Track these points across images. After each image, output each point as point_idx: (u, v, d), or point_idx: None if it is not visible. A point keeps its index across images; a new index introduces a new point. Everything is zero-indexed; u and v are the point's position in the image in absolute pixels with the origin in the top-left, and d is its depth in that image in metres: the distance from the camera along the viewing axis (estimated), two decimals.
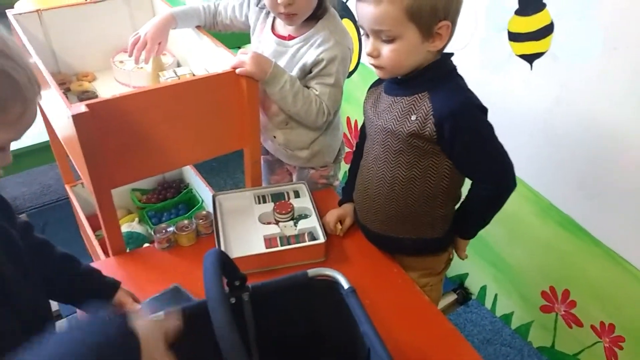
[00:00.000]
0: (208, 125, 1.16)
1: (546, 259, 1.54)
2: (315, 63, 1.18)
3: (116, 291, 0.94)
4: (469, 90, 0.95)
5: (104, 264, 1.13)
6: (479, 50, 1.45)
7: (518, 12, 1.30)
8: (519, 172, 1.46)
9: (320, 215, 1.16)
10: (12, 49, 0.63)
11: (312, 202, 1.19)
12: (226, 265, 0.70)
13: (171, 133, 1.11)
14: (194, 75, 1.38)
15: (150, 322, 0.58)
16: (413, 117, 0.93)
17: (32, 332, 0.74)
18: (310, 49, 1.19)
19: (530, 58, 1.33)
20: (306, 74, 1.21)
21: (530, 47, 1.32)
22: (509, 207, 1.53)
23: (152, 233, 1.12)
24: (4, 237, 0.73)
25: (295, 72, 1.21)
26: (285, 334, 0.86)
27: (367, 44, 0.92)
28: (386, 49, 0.89)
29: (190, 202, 1.89)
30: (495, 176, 0.98)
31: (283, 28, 1.24)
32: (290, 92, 1.17)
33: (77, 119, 0.93)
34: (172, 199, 1.85)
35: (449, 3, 0.86)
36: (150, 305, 0.91)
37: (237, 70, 1.11)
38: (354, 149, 1.20)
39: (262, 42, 1.28)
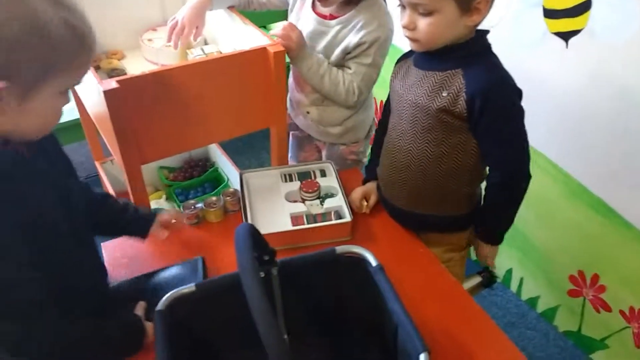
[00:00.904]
0: (235, 103, 1.16)
1: (575, 242, 1.51)
2: (358, 45, 1.18)
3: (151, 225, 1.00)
4: (504, 69, 0.92)
5: (134, 239, 1.16)
6: (512, 28, 1.41)
7: None
8: (550, 152, 1.42)
9: (346, 194, 1.16)
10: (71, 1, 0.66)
11: (338, 181, 1.19)
12: (256, 240, 0.70)
13: (199, 110, 1.12)
14: (221, 53, 1.38)
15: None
16: (444, 93, 0.91)
17: (87, 287, 0.82)
18: (352, 31, 1.19)
19: (566, 35, 1.29)
20: (346, 54, 1.21)
21: (566, 24, 1.28)
22: (537, 189, 1.51)
23: (181, 210, 1.14)
24: (66, 195, 0.77)
25: (336, 53, 1.22)
26: (312, 309, 0.87)
27: (404, 16, 0.91)
28: (423, 22, 0.88)
29: (216, 181, 1.91)
30: (507, 164, 0.96)
31: (323, 7, 1.24)
32: (316, 73, 1.19)
33: (108, 94, 0.94)
34: (198, 177, 1.88)
35: None
36: (172, 272, 0.97)
37: (280, 41, 1.14)
38: (377, 126, 1.19)
39: (302, 20, 1.27)
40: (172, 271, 0.99)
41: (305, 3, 1.27)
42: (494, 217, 1.05)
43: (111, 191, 1.68)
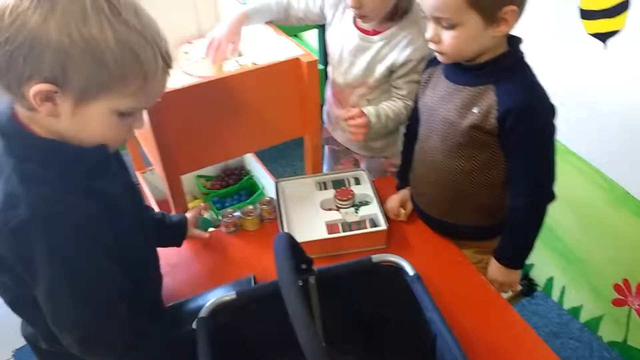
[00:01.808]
0: (270, 113, 1.18)
1: (620, 250, 1.46)
2: (405, 63, 1.18)
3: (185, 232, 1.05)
4: (539, 85, 0.90)
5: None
6: (548, 29, 1.38)
7: None
8: (592, 158, 1.39)
9: (381, 202, 1.16)
10: (142, 21, 0.65)
11: (373, 188, 1.19)
12: (294, 249, 0.71)
13: (236, 121, 1.14)
14: (255, 64, 1.40)
15: None
16: (475, 110, 0.90)
17: (150, 291, 0.87)
18: (396, 48, 1.18)
19: (603, 37, 1.26)
20: (392, 72, 1.21)
21: (603, 25, 1.24)
22: (580, 195, 1.47)
23: (219, 217, 1.16)
24: (134, 196, 0.84)
25: (380, 70, 1.21)
26: (349, 318, 0.87)
27: (429, 29, 0.90)
28: (447, 35, 0.87)
29: (251, 189, 1.94)
30: (533, 183, 0.94)
31: (364, 23, 1.23)
32: (382, 127, 1.19)
33: (150, 108, 0.97)
34: (234, 186, 1.91)
35: None
36: (224, 290, 0.95)
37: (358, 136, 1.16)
38: (406, 131, 1.19)
39: (344, 36, 1.26)
40: (225, 291, 0.98)
41: (345, 18, 1.27)
42: (510, 238, 1.01)
43: (152, 200, 1.73)
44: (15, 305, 0.76)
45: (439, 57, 0.93)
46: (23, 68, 0.60)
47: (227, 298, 0.82)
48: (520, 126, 0.86)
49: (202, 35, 1.52)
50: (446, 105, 0.95)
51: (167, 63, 0.70)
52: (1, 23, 0.59)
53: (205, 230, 1.58)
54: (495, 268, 1.03)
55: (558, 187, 1.54)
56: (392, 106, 1.20)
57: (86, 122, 0.67)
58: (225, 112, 1.11)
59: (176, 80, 1.46)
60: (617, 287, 1.51)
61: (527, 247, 1.00)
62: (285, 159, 2.50)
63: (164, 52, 0.68)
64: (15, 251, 0.65)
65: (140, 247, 0.83)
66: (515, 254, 1.02)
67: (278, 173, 2.41)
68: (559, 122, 1.21)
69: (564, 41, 1.36)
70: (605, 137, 1.36)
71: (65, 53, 0.60)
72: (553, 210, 1.56)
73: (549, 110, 0.89)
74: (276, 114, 1.19)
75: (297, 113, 1.21)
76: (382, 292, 0.85)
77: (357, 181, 1.22)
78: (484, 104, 0.89)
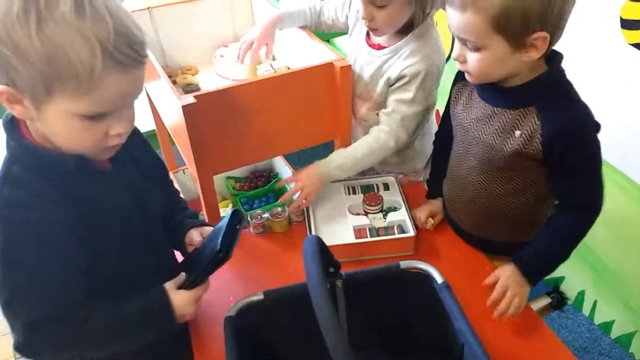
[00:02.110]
0: (302, 116, 1.19)
1: None
2: (398, 78, 1.13)
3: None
4: (582, 104, 0.86)
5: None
6: (588, 39, 1.35)
7: None
8: (629, 170, 1.35)
9: (409, 209, 1.15)
10: (89, 14, 0.60)
11: (401, 195, 1.19)
12: (322, 252, 0.72)
13: (268, 124, 1.16)
14: (289, 68, 1.42)
15: (182, 294, 0.78)
16: (517, 133, 0.86)
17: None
18: (397, 62, 1.14)
19: None
20: (389, 86, 1.17)
21: None
22: (615, 208, 1.44)
23: (248, 219, 1.18)
24: (144, 201, 0.83)
25: (380, 84, 1.18)
26: (375, 323, 0.87)
27: (456, 47, 0.87)
28: (472, 57, 0.84)
29: (280, 191, 1.96)
30: (584, 203, 0.90)
31: (375, 36, 1.21)
32: (357, 166, 1.18)
33: (186, 109, 1.00)
34: (262, 188, 1.93)
35: (546, 11, 0.76)
36: (212, 234, 0.88)
37: (298, 201, 1.16)
38: (435, 138, 1.17)
39: (356, 48, 1.26)
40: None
41: (362, 30, 1.25)
42: (547, 254, 0.94)
43: None
44: None
45: (467, 77, 0.91)
46: None
47: (255, 298, 0.83)
48: (569, 152, 0.84)
49: (238, 39, 1.55)
50: (484, 128, 0.91)
51: (118, 59, 0.62)
52: None
53: None
54: (514, 276, 0.92)
55: None
56: (360, 147, 1.17)
57: (52, 125, 0.67)
58: (258, 115, 1.13)
59: (211, 82, 1.50)
60: None
61: (556, 265, 0.96)
62: (313, 161, 2.51)
63: (117, 47, 0.61)
64: None
65: (138, 250, 0.82)
66: (543, 268, 0.96)
67: None
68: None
69: (603, 50, 1.33)
70: None
71: (10, 48, 0.59)
72: None
73: (594, 128, 0.86)
74: (308, 117, 1.20)
75: (329, 117, 1.22)
76: (409, 299, 0.85)
77: (386, 187, 1.22)
78: (527, 128, 0.85)
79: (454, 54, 0.87)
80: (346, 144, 1.28)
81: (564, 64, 0.86)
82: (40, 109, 0.64)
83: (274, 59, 1.57)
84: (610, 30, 1.28)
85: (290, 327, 0.82)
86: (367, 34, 1.23)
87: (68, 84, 0.61)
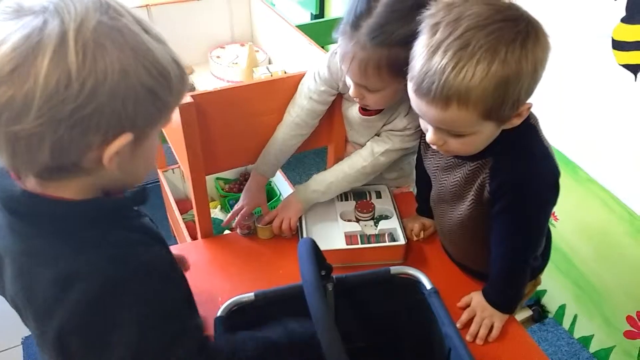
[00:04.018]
0: None
1: (635, 282, 1.45)
2: (404, 129, 1.10)
3: None
4: (539, 154, 0.83)
5: (194, 246, 1.21)
6: (579, 58, 1.39)
7: (625, 20, 1.24)
8: (615, 188, 1.37)
9: (401, 218, 1.16)
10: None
11: (393, 203, 1.20)
12: (316, 254, 0.73)
13: (263, 126, 1.16)
14: (285, 72, 1.43)
15: None
16: (476, 184, 0.86)
17: None
18: (398, 117, 1.09)
19: (635, 68, 1.26)
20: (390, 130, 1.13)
21: (636, 56, 1.25)
22: (599, 224, 1.47)
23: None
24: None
25: (379, 132, 1.14)
26: (364, 327, 0.88)
27: (430, 133, 0.80)
28: (455, 142, 0.79)
29: (268, 194, 1.96)
30: (508, 250, 0.90)
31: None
32: (337, 186, 1.15)
33: (182, 108, 1.00)
34: None
35: (535, 80, 0.73)
36: None
37: (284, 226, 1.13)
38: (416, 162, 1.15)
39: (349, 111, 1.17)
40: None
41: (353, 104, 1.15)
42: (495, 280, 0.96)
43: (171, 199, 1.75)
44: None
45: (442, 152, 0.86)
46: (94, 132, 0.52)
47: (245, 299, 0.83)
48: (509, 204, 0.82)
49: (235, 40, 1.56)
50: (448, 178, 0.91)
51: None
52: (65, 91, 0.48)
53: (221, 232, 1.60)
54: (482, 302, 0.96)
55: (577, 214, 1.54)
56: (342, 167, 1.15)
57: (142, 156, 0.60)
58: (254, 117, 1.13)
59: (206, 83, 1.50)
60: (629, 319, 1.50)
61: (515, 289, 0.96)
62: (302, 167, 2.52)
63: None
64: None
65: None
66: (501, 296, 0.96)
67: (295, 181, 2.43)
68: (584, 149, 1.21)
69: (593, 69, 1.37)
70: (630, 168, 1.36)
71: (148, 92, 0.54)
72: (570, 238, 1.57)
73: (546, 185, 0.83)
74: None
75: (323, 122, 1.22)
76: (398, 304, 0.86)
77: (379, 195, 1.23)
78: (480, 179, 0.85)
79: (429, 139, 0.81)
80: (340, 150, 1.29)
81: (554, 83, 0.86)
82: (139, 145, 0.58)
83: (269, 62, 1.58)
84: (601, 49, 1.31)
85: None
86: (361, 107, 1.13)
87: (173, 105, 0.60)
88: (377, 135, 1.15)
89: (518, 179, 0.81)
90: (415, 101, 0.76)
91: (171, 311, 0.60)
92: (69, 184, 0.57)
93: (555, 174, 0.83)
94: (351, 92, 0.99)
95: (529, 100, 0.76)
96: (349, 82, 0.98)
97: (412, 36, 0.77)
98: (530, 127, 0.83)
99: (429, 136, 0.80)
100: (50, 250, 0.56)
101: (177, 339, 0.59)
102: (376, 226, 1.15)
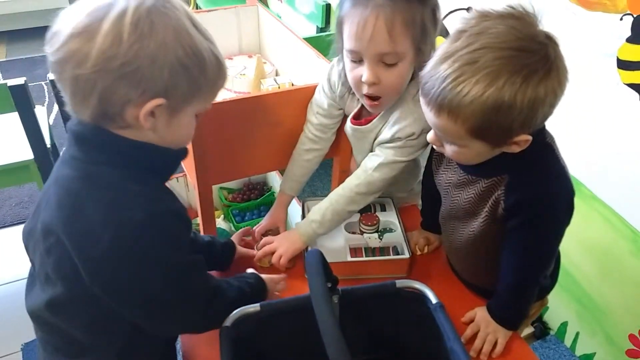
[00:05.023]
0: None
1: (638, 300, 1.45)
2: (391, 140, 1.04)
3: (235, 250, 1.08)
4: (555, 171, 0.82)
5: None
6: (583, 76, 1.40)
7: (630, 40, 1.25)
8: (619, 206, 1.37)
9: (406, 231, 1.17)
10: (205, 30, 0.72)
11: (398, 217, 1.20)
12: (324, 265, 0.73)
13: (269, 137, 1.17)
14: (292, 84, 1.44)
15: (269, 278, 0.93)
16: (490, 201, 0.85)
17: None
18: (386, 127, 1.06)
19: (639, 88, 1.27)
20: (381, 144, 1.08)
21: None
22: (603, 242, 1.47)
23: (235, 230, 1.18)
24: None
25: (375, 146, 1.10)
26: (369, 340, 0.88)
27: (431, 133, 0.83)
28: (449, 148, 0.81)
29: (272, 205, 1.96)
30: (519, 266, 0.90)
31: (362, 115, 1.11)
32: (340, 212, 1.08)
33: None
34: (255, 200, 1.94)
35: (530, 120, 0.72)
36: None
37: (274, 260, 1.07)
38: (422, 177, 1.15)
39: (344, 125, 1.17)
40: None
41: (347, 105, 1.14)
42: (501, 292, 0.95)
43: None
44: (59, 304, 0.75)
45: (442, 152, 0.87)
46: (135, 88, 0.64)
47: (251, 309, 0.83)
48: (522, 214, 0.82)
49: (243, 52, 1.58)
50: (461, 195, 0.91)
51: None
52: (117, 49, 0.62)
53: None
54: (486, 317, 0.96)
55: (581, 232, 1.54)
56: (341, 190, 1.09)
57: (175, 130, 0.72)
58: (260, 128, 1.14)
59: None
60: (632, 338, 1.49)
61: (521, 307, 0.96)
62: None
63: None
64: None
65: None
66: (508, 313, 0.96)
67: (299, 194, 2.44)
68: (589, 167, 1.21)
69: (598, 87, 1.38)
70: (634, 186, 1.36)
71: (182, 67, 0.66)
72: (574, 255, 1.57)
73: (560, 201, 0.82)
74: None
75: None
76: (403, 318, 0.86)
77: (383, 207, 1.24)
78: (495, 197, 0.84)
79: (429, 137, 0.84)
80: (345, 162, 1.30)
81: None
82: (173, 116, 0.70)
83: (277, 74, 1.60)
84: (606, 68, 1.33)
85: (285, 339, 0.83)
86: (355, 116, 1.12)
87: (217, 89, 0.75)
88: (371, 151, 1.12)
89: (535, 196, 0.81)
90: (420, 98, 0.79)
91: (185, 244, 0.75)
92: (124, 132, 0.69)
93: (571, 193, 0.83)
94: (366, 76, 0.93)
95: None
96: (358, 71, 0.94)
97: None
98: (547, 145, 0.83)
99: (430, 134, 0.84)
100: (106, 177, 0.68)
101: (194, 262, 0.76)
102: (381, 239, 1.15)
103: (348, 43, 0.93)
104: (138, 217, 0.66)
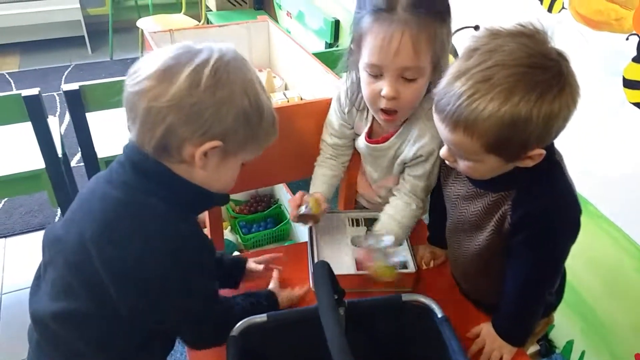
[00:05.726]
0: (311, 146, 1.22)
1: None
2: (414, 158, 1.07)
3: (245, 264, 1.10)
4: (562, 187, 0.83)
5: None
6: (589, 95, 1.41)
7: (636, 60, 1.27)
8: (625, 224, 1.37)
9: (411, 245, 1.17)
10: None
11: None
12: (331, 277, 0.74)
13: (277, 150, 1.18)
14: (301, 98, 1.46)
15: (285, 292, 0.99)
16: (497, 216, 0.86)
17: None
18: (407, 145, 1.08)
19: None
20: (404, 164, 1.12)
21: None
22: (609, 260, 1.47)
23: (242, 242, 1.19)
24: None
25: (395, 166, 1.13)
26: (374, 352, 0.88)
27: (444, 148, 0.84)
28: (462, 163, 0.82)
29: (278, 217, 1.98)
30: (523, 282, 0.90)
31: (374, 133, 1.13)
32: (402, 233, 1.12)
33: None
34: (262, 212, 1.96)
35: (545, 135, 0.74)
36: None
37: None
38: (431, 199, 1.15)
39: (357, 143, 1.18)
40: None
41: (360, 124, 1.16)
42: (507, 306, 0.95)
43: None
44: (71, 317, 0.77)
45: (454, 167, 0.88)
46: (199, 127, 0.71)
47: (258, 320, 0.84)
48: (529, 229, 0.83)
49: (253, 66, 1.60)
50: (469, 207, 0.91)
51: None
52: (193, 91, 0.70)
53: (230, 253, 1.62)
54: (491, 332, 0.96)
55: (587, 250, 1.54)
56: (399, 219, 1.12)
57: (222, 172, 0.79)
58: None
59: None
60: (638, 358, 1.48)
61: (526, 323, 0.96)
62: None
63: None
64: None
65: None
66: (514, 329, 0.96)
67: None
68: (595, 185, 1.21)
69: (604, 106, 1.39)
70: (638, 203, 1.37)
71: (244, 116, 0.74)
72: (579, 273, 1.56)
73: (567, 218, 0.83)
74: (316, 147, 1.23)
75: None
76: (409, 332, 0.86)
77: None
78: (502, 211, 0.85)
79: (442, 153, 0.85)
80: (353, 176, 1.31)
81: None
82: (224, 160, 0.77)
83: (286, 88, 1.62)
84: (613, 87, 1.34)
85: (292, 350, 0.83)
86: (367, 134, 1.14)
87: (269, 141, 0.83)
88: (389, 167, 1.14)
89: (542, 212, 0.82)
90: (434, 114, 0.80)
91: (210, 274, 0.83)
92: (177, 168, 0.75)
93: (577, 211, 0.83)
94: (386, 91, 0.94)
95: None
96: (378, 85, 0.96)
97: (447, 11, 0.90)
98: (555, 163, 0.84)
99: (443, 150, 0.84)
100: (155, 209, 0.74)
101: (213, 289, 0.85)
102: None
103: (370, 57, 0.93)
104: (177, 247, 0.73)
